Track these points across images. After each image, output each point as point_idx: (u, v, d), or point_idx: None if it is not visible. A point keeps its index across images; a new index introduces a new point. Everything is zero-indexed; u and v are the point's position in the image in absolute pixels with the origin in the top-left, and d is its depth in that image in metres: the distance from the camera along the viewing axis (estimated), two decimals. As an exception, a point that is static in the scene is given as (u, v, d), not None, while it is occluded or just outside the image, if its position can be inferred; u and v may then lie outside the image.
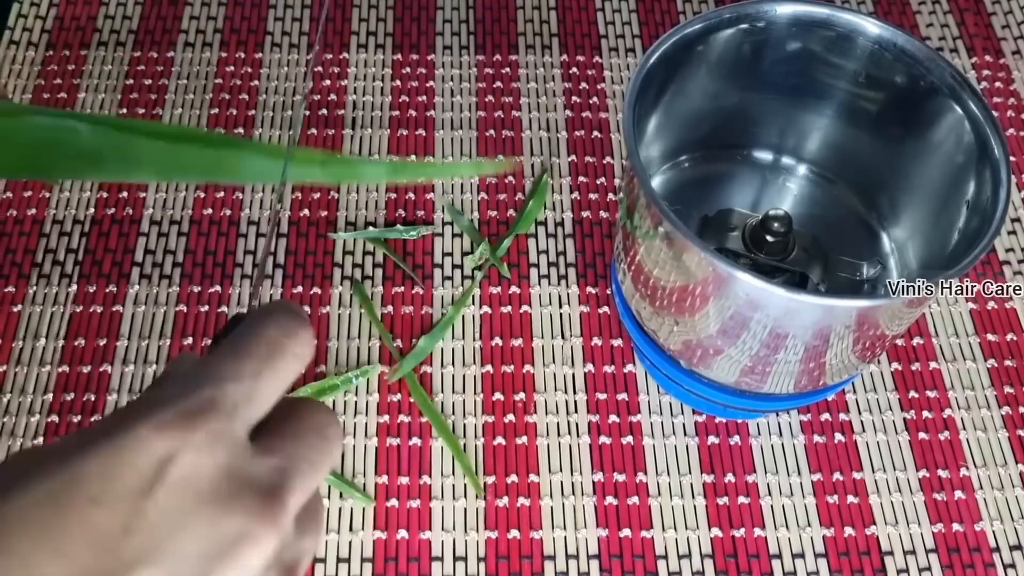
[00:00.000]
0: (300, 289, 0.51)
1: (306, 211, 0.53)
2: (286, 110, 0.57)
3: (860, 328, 0.39)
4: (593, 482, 0.46)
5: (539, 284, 0.52)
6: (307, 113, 0.57)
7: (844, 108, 0.46)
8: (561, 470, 0.46)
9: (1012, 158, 0.57)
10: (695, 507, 0.45)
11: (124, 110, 0.57)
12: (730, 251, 0.44)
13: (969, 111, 0.40)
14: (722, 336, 0.40)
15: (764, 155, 0.50)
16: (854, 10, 0.43)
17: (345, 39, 0.61)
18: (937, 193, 0.44)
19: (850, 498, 0.46)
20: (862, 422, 0.48)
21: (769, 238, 0.43)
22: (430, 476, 0.46)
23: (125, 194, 0.54)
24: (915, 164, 0.44)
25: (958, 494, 0.46)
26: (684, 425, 0.48)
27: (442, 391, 0.48)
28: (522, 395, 0.48)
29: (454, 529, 0.44)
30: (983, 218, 0.38)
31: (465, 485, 0.46)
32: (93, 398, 0.47)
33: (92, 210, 0.53)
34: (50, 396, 0.47)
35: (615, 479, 0.46)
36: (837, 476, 0.46)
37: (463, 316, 0.50)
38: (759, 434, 0.47)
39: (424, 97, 0.58)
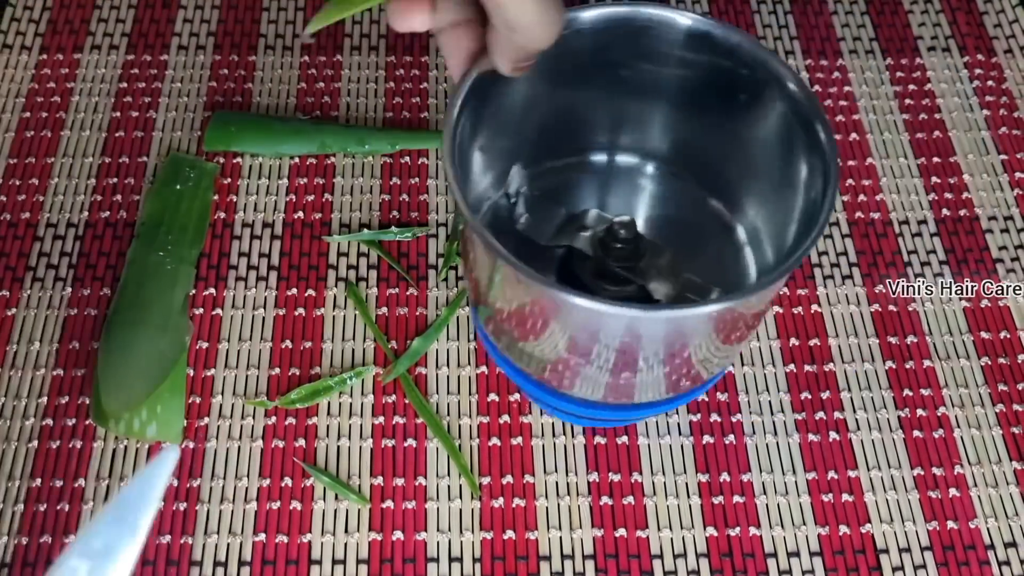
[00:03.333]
0: (295, 291, 0.51)
1: (300, 213, 0.53)
2: (278, 113, 0.57)
3: (691, 337, 0.38)
4: (588, 482, 0.46)
5: (533, 285, 0.52)
6: (303, 116, 0.57)
7: (681, 103, 0.44)
8: (556, 470, 0.46)
9: (1003, 157, 0.58)
10: (690, 507, 0.45)
11: (117, 113, 0.57)
12: (577, 251, 0.43)
13: (796, 101, 0.39)
14: (573, 356, 0.39)
15: (624, 158, 0.48)
16: (663, 4, 0.41)
17: (339, 41, 0.61)
18: (776, 185, 0.42)
19: (845, 496, 0.46)
20: (857, 420, 0.48)
21: (617, 245, 0.42)
22: (425, 477, 0.46)
23: (119, 197, 0.54)
24: (753, 155, 0.43)
25: (953, 492, 0.46)
26: (679, 425, 0.48)
27: (437, 392, 0.48)
28: (517, 396, 0.48)
29: (450, 530, 0.44)
30: (813, 213, 0.37)
31: (461, 486, 0.46)
32: (88, 401, 0.47)
33: (86, 213, 0.53)
34: (45, 400, 0.47)
35: (610, 479, 0.46)
36: (832, 474, 0.47)
37: (457, 317, 0.50)
38: (754, 433, 0.48)
39: (418, 99, 0.58)
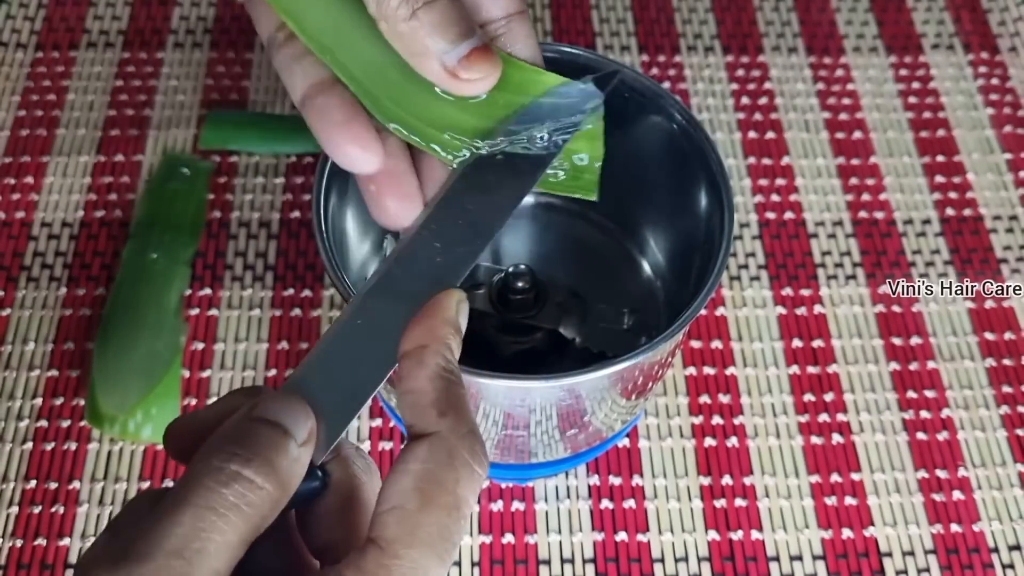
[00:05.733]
0: (291, 291, 0.50)
1: (297, 212, 0.53)
2: (275, 111, 0.57)
3: (593, 396, 0.37)
4: (589, 485, 0.45)
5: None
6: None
7: None
8: (556, 473, 0.46)
9: (1008, 156, 0.57)
10: (692, 510, 0.45)
11: (112, 111, 0.56)
12: (476, 312, 0.41)
13: (684, 132, 0.39)
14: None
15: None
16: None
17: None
18: (678, 222, 0.42)
19: (848, 499, 0.46)
20: (860, 422, 0.48)
21: (513, 296, 0.40)
22: (424, 480, 0.45)
23: (114, 196, 0.53)
24: (647, 188, 0.42)
25: (956, 494, 0.46)
26: (680, 427, 0.47)
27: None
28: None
29: (448, 533, 0.44)
30: (711, 255, 0.37)
31: (459, 489, 0.45)
32: (82, 402, 0.47)
33: (81, 212, 0.52)
34: (39, 401, 0.47)
35: (611, 482, 0.45)
36: (835, 477, 0.46)
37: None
38: (756, 436, 0.47)
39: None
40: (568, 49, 0.39)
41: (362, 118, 0.30)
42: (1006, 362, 0.50)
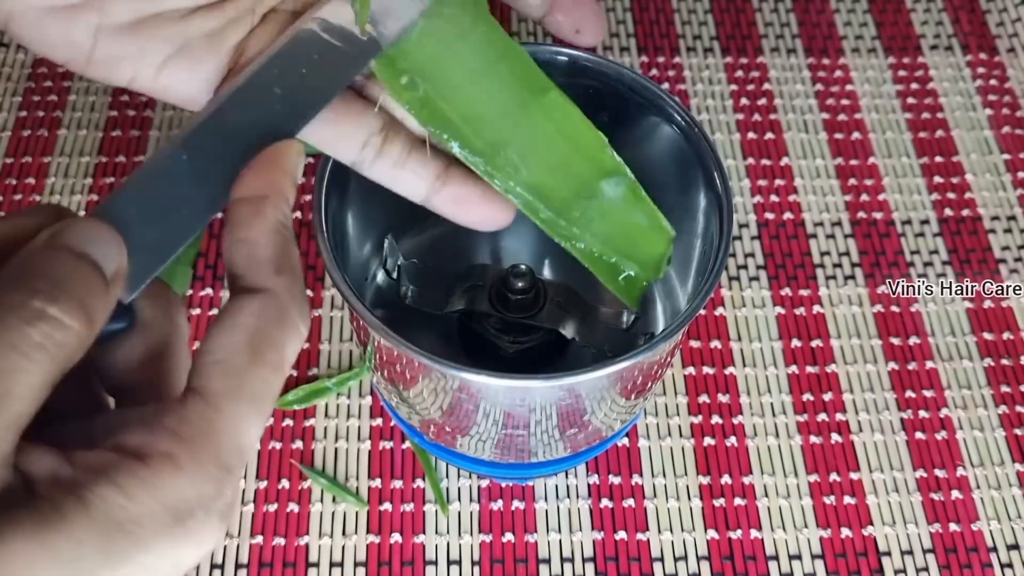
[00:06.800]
0: (292, 291, 0.50)
1: (297, 213, 0.53)
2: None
3: (588, 397, 0.37)
4: (588, 485, 0.45)
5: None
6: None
7: None
8: (556, 473, 0.46)
9: (1006, 156, 0.57)
10: (691, 509, 0.45)
11: (114, 112, 0.56)
12: (476, 312, 0.42)
13: (684, 135, 0.39)
14: (450, 418, 0.38)
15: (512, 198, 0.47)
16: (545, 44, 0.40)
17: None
18: (677, 222, 0.41)
19: (847, 499, 0.46)
20: (859, 422, 0.48)
21: (512, 296, 0.40)
22: (424, 480, 0.45)
23: (116, 197, 0.53)
24: (653, 192, 0.42)
25: (955, 494, 0.46)
26: (680, 427, 0.47)
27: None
28: (516, 397, 0.48)
29: (448, 533, 0.44)
30: (710, 255, 0.37)
31: (459, 488, 0.45)
32: (84, 402, 0.47)
33: (83, 213, 0.53)
34: (40, 401, 0.47)
35: (610, 481, 0.46)
36: (834, 477, 0.46)
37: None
38: (755, 435, 0.47)
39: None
40: (569, 50, 0.39)
41: (489, 187, 0.33)
42: (1004, 362, 0.50)
